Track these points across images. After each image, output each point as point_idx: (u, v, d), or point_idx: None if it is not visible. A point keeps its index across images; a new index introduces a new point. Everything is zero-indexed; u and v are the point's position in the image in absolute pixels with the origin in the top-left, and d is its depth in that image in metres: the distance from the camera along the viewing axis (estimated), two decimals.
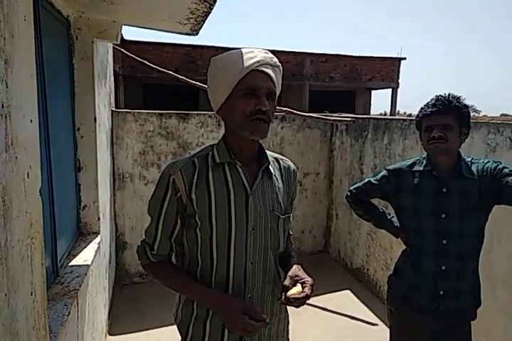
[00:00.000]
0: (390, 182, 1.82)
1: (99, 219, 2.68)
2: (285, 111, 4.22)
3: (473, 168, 1.68)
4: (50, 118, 1.86)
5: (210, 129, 4.22)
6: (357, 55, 16.00)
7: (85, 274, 2.05)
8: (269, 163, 1.27)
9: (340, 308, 3.62)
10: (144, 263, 1.29)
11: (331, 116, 4.49)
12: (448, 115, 1.62)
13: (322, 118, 4.30)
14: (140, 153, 4.03)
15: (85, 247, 2.41)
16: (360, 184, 1.98)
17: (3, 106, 0.85)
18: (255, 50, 1.19)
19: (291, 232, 1.45)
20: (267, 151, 1.31)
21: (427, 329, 1.74)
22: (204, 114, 4.21)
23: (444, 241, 1.67)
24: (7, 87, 0.88)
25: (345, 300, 3.82)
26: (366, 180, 1.96)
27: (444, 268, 1.68)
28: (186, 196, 1.18)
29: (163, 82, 13.58)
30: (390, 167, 1.87)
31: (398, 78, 16.80)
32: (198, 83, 4.31)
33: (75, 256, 2.25)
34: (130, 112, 3.97)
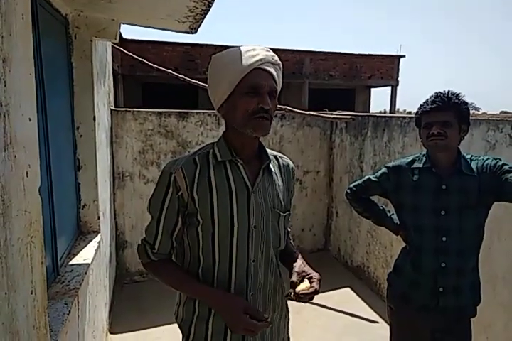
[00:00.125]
0: (390, 179, 1.82)
1: (99, 218, 2.68)
2: (285, 109, 4.22)
3: (473, 165, 1.68)
4: (49, 117, 1.85)
5: (209, 128, 4.21)
6: (356, 53, 15.98)
7: (85, 273, 2.05)
8: (270, 161, 1.28)
9: (340, 306, 3.62)
10: (144, 262, 1.29)
11: (331, 114, 4.48)
12: (447, 112, 1.62)
13: (322, 116, 4.30)
14: (140, 151, 4.03)
15: (85, 246, 2.41)
16: (359, 181, 1.98)
17: (1, 105, 0.85)
18: (257, 48, 1.18)
19: (289, 229, 1.45)
20: (266, 149, 1.31)
21: (427, 327, 1.75)
22: (203, 113, 4.21)
23: (444, 238, 1.67)
24: (5, 85, 0.87)
25: (345, 297, 3.82)
26: (366, 177, 1.96)
27: (443, 265, 1.68)
28: (188, 194, 1.18)
29: (163, 80, 13.56)
30: (390, 164, 1.87)
31: (398, 76, 16.78)
32: (198, 82, 4.31)
33: (75, 255, 2.25)
34: (129, 111, 3.97)
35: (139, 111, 4.01)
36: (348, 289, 4.00)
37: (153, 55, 12.24)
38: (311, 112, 4.46)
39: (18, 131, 0.95)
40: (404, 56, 16.90)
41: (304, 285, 1.14)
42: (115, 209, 4.01)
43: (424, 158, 1.75)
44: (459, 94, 1.66)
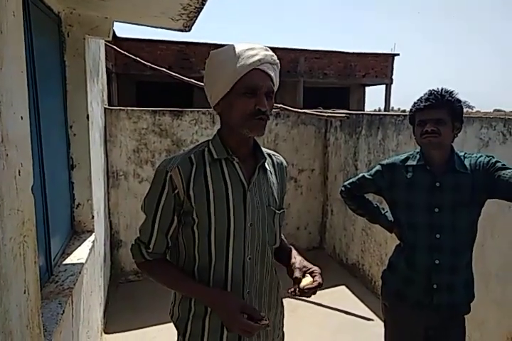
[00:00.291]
0: (384, 177, 1.83)
1: (93, 217, 2.66)
2: (279, 107, 4.22)
3: (466, 163, 1.69)
4: (41, 115, 1.84)
5: (204, 126, 4.21)
6: (350, 51, 16.01)
7: (80, 273, 2.04)
8: (266, 159, 1.28)
9: (335, 304, 3.63)
10: (138, 262, 1.27)
11: (325, 113, 4.49)
12: (441, 109, 1.63)
13: (316, 115, 4.30)
14: (134, 150, 4.01)
15: (79, 245, 2.40)
16: (354, 179, 1.99)
17: None
18: (256, 47, 1.17)
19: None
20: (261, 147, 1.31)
21: (421, 324, 1.75)
22: (198, 111, 4.20)
23: (438, 236, 1.68)
24: None
25: (340, 295, 3.84)
26: (360, 175, 1.96)
27: (437, 262, 1.69)
28: (184, 193, 1.17)
29: (157, 79, 13.51)
30: (384, 162, 1.87)
31: (392, 74, 16.84)
32: (192, 80, 4.30)
33: (69, 255, 2.24)
34: (123, 110, 3.95)
35: (133, 109, 4.00)
36: (343, 287, 4.01)
37: (147, 54, 12.20)
38: (306, 111, 4.46)
39: (10, 129, 0.94)
40: (398, 54, 16.96)
41: (307, 280, 1.16)
42: (109, 209, 3.99)
43: (417, 156, 1.76)
44: (452, 91, 1.66)
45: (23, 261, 1.01)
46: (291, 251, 1.35)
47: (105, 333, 3.13)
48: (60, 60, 2.42)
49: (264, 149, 1.34)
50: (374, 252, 3.88)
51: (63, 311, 1.63)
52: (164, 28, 2.73)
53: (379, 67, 16.53)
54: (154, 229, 1.22)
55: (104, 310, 3.29)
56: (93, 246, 2.50)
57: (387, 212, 1.95)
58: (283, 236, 1.44)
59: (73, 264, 2.13)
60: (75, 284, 1.90)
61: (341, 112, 4.55)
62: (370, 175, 1.90)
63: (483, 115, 2.60)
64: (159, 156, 4.07)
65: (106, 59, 4.35)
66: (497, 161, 1.65)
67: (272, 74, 1.17)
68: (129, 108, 4.02)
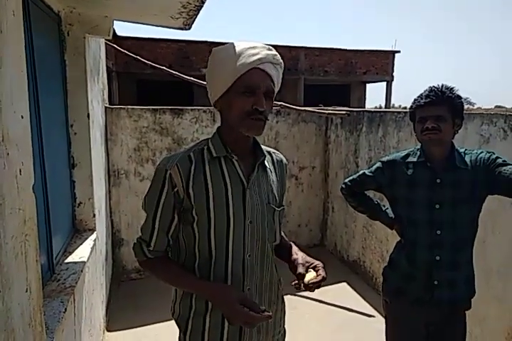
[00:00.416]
0: (385, 173, 1.83)
1: (94, 215, 2.67)
2: (280, 105, 4.22)
3: (467, 159, 1.69)
4: (42, 114, 1.85)
5: (204, 124, 4.21)
6: (351, 48, 15.98)
7: (81, 271, 2.05)
8: (265, 157, 1.28)
9: (336, 301, 3.64)
10: (140, 260, 1.28)
11: (326, 110, 4.48)
12: (441, 106, 1.62)
13: (317, 112, 4.30)
14: (135, 149, 4.02)
15: (81, 244, 2.41)
16: (354, 176, 1.99)
17: None
18: (258, 46, 1.16)
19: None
20: (261, 145, 1.31)
21: (422, 320, 1.76)
22: (198, 110, 4.20)
23: (438, 232, 1.68)
24: None
25: (341, 292, 3.85)
26: (361, 172, 1.96)
27: (438, 258, 1.69)
28: (183, 191, 1.17)
29: (157, 78, 13.53)
30: (384, 159, 1.87)
31: (393, 71, 16.81)
32: (192, 78, 4.29)
33: (70, 253, 2.25)
34: (124, 108, 3.95)
35: (133, 108, 4.00)
36: (344, 284, 4.02)
37: (148, 52, 12.20)
38: (307, 108, 4.46)
39: (11, 128, 0.94)
40: (399, 51, 16.92)
41: (311, 275, 1.17)
42: (111, 207, 4.00)
43: (418, 152, 1.76)
44: (452, 88, 1.66)
45: (24, 259, 1.02)
46: (291, 247, 1.36)
47: (108, 331, 3.14)
48: (61, 59, 2.42)
49: (264, 147, 1.35)
50: (375, 249, 3.88)
51: (65, 309, 1.64)
52: (164, 27, 2.72)
53: (380, 64, 16.50)
54: (155, 228, 1.23)
55: (106, 308, 3.30)
56: (95, 245, 2.51)
57: (387, 208, 1.95)
58: (283, 233, 1.45)
59: (75, 263, 2.14)
60: (76, 282, 1.90)
61: (342, 109, 4.55)
62: (370, 172, 1.90)
63: (484, 111, 2.59)
64: (160, 155, 4.08)
65: (106, 58, 4.35)
66: (497, 157, 1.65)
67: (273, 74, 1.16)
68: (129, 106, 4.02)
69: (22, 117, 1.04)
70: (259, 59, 1.13)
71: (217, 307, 1.16)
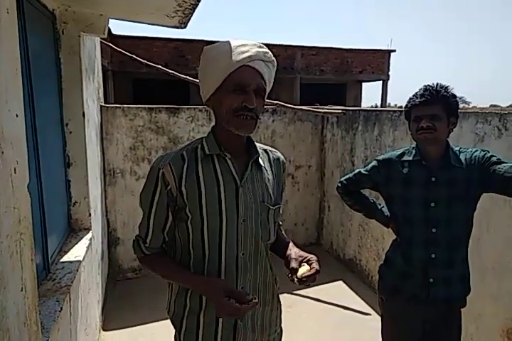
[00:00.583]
0: (380, 172, 1.84)
1: (90, 215, 2.66)
2: (276, 104, 4.22)
3: (462, 157, 1.70)
4: (37, 113, 1.84)
5: (200, 123, 4.20)
6: (347, 47, 16.00)
7: (77, 270, 2.04)
8: (259, 155, 1.27)
9: (333, 299, 3.65)
10: (138, 257, 1.31)
11: (322, 109, 4.49)
12: (436, 105, 1.63)
13: (313, 111, 4.30)
14: (130, 148, 4.00)
15: (77, 243, 2.40)
16: (350, 175, 2.00)
17: None
18: (249, 43, 1.16)
19: (280, 223, 1.46)
20: (256, 143, 1.30)
21: (418, 318, 1.77)
22: (194, 108, 4.19)
23: (434, 230, 1.69)
24: None
25: (338, 290, 3.86)
26: (356, 170, 1.97)
27: (433, 256, 1.70)
28: (176, 189, 1.18)
29: (153, 76, 13.48)
30: (380, 157, 1.88)
31: (388, 70, 16.84)
32: (188, 77, 4.28)
33: (66, 253, 2.24)
34: (119, 107, 3.94)
35: (129, 107, 3.98)
36: (340, 282, 4.03)
37: (143, 51, 12.16)
38: (303, 107, 4.46)
39: (5, 127, 0.94)
40: (394, 51, 16.95)
41: (304, 269, 1.16)
42: (107, 206, 3.99)
43: (413, 151, 1.77)
44: (447, 86, 1.66)
45: (19, 258, 1.02)
46: (288, 243, 1.35)
47: (103, 330, 3.14)
48: (55, 57, 2.40)
49: (260, 145, 1.35)
50: (371, 247, 3.89)
51: (61, 308, 1.64)
52: (160, 25, 2.72)
53: (375, 63, 16.52)
54: (150, 225, 1.25)
55: (102, 307, 3.29)
56: (90, 244, 2.51)
57: (383, 207, 1.96)
58: (283, 231, 1.44)
59: (70, 262, 2.13)
60: (72, 282, 1.90)
61: (338, 108, 4.56)
62: (366, 170, 1.90)
63: (479, 110, 2.61)
64: (156, 154, 4.07)
65: (102, 56, 4.33)
66: (492, 155, 1.65)
67: (264, 72, 1.15)
68: (125, 105, 4.00)
69: (17, 116, 1.03)
70: (249, 56, 1.12)
71: (210, 302, 1.18)
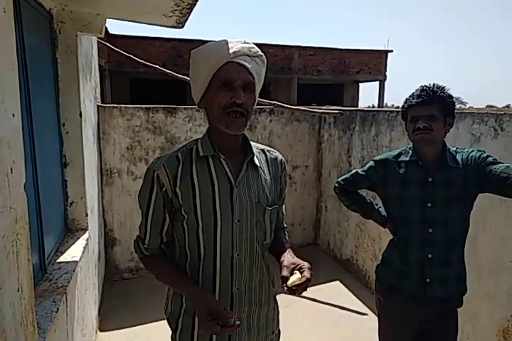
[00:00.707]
0: (377, 172, 1.84)
1: (86, 215, 2.66)
2: (273, 104, 4.22)
3: (458, 158, 1.70)
4: (33, 113, 1.83)
5: (198, 123, 4.20)
6: (344, 48, 16.02)
7: (74, 271, 2.04)
8: (254, 155, 1.26)
9: (330, 299, 3.66)
10: (139, 257, 1.32)
11: (319, 109, 4.50)
12: (432, 106, 1.64)
13: (310, 111, 4.31)
14: (127, 148, 4.00)
15: (73, 244, 2.39)
16: (347, 175, 2.00)
17: None
18: (233, 41, 1.16)
19: (285, 225, 1.46)
20: (252, 143, 1.30)
21: (414, 318, 1.77)
22: (192, 108, 4.19)
23: (430, 230, 1.70)
24: None
25: (335, 291, 3.86)
26: (353, 171, 1.97)
27: (430, 256, 1.71)
28: (171, 190, 1.19)
29: (150, 76, 13.45)
30: (377, 158, 1.88)
31: (385, 71, 16.88)
32: (185, 77, 4.27)
33: (62, 253, 2.23)
34: (116, 107, 3.93)
35: (126, 107, 3.97)
36: (337, 282, 4.03)
37: (141, 51, 12.12)
38: (300, 107, 4.47)
39: (2, 126, 0.93)
40: (392, 51, 16.99)
41: (294, 277, 1.12)
42: (103, 207, 3.98)
43: (410, 151, 1.77)
44: (444, 87, 1.67)
45: (16, 259, 1.01)
46: (285, 251, 1.29)
47: (100, 331, 3.13)
48: (52, 57, 2.40)
49: (257, 145, 1.34)
50: (368, 247, 3.90)
51: (57, 309, 1.63)
52: (157, 25, 2.71)
53: (373, 63, 16.55)
54: (148, 226, 1.26)
55: (99, 308, 3.28)
56: (87, 244, 2.50)
57: (380, 207, 1.97)
58: (286, 235, 1.43)
59: (67, 262, 2.12)
60: (69, 282, 1.89)
61: (335, 109, 4.56)
62: (363, 171, 1.91)
63: (475, 111, 2.62)
64: (153, 154, 4.06)
65: (99, 56, 4.32)
66: (488, 156, 1.66)
67: (249, 66, 1.14)
68: (122, 105, 3.99)
69: (13, 115, 1.03)
70: (233, 52, 1.12)
71: None
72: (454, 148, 1.75)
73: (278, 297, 1.41)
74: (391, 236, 1.91)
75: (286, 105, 4.28)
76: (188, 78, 4.28)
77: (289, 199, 4.82)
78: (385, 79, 16.93)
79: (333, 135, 4.56)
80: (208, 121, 1.25)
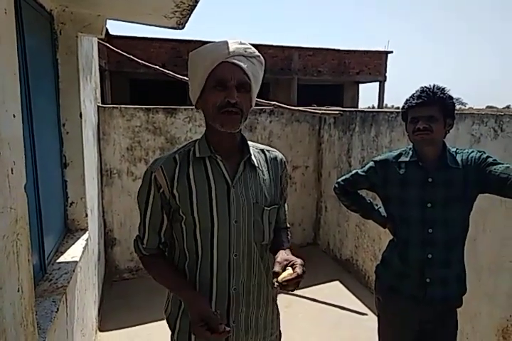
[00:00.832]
0: (377, 173, 1.84)
1: (86, 215, 2.66)
2: (273, 105, 4.22)
3: (458, 158, 1.71)
4: (34, 113, 1.83)
5: (198, 124, 4.20)
6: (344, 48, 16.03)
7: (73, 271, 2.04)
8: (251, 155, 1.26)
9: (329, 299, 3.66)
10: (138, 256, 1.33)
11: (319, 110, 4.50)
12: (432, 106, 1.64)
13: (310, 112, 4.31)
14: (127, 148, 4.00)
15: (73, 244, 2.39)
16: (347, 176, 2.00)
17: None
18: (229, 41, 1.17)
19: (288, 225, 1.45)
20: (251, 143, 1.30)
21: (414, 318, 1.77)
22: (192, 109, 4.19)
23: (430, 230, 1.70)
24: None
25: (334, 291, 3.86)
26: (354, 171, 1.97)
27: (430, 256, 1.71)
28: (169, 192, 1.20)
29: (150, 77, 13.46)
30: (377, 158, 1.89)
31: (385, 71, 16.88)
32: (185, 78, 4.28)
33: (62, 253, 2.24)
34: (117, 107, 3.93)
35: (126, 107, 3.98)
36: (337, 282, 4.04)
37: (141, 52, 12.13)
38: (300, 108, 4.47)
39: (2, 127, 0.94)
40: (391, 52, 17.00)
41: (286, 273, 1.11)
42: (103, 207, 3.98)
43: (410, 152, 1.78)
44: (444, 88, 1.67)
45: (16, 259, 1.01)
46: (283, 249, 1.27)
47: (100, 331, 3.13)
48: (53, 57, 2.40)
49: (257, 145, 1.34)
50: (368, 248, 3.90)
51: (57, 309, 1.63)
52: (157, 26, 2.71)
53: (372, 64, 16.56)
54: (146, 226, 1.27)
55: (98, 308, 3.28)
56: (87, 245, 2.50)
57: (380, 207, 1.97)
58: (288, 236, 1.42)
59: (67, 262, 2.12)
60: (68, 282, 1.89)
61: (335, 109, 4.57)
62: (363, 171, 1.91)
63: (475, 111, 2.62)
64: (153, 154, 4.06)
65: (99, 57, 4.32)
66: (488, 156, 1.67)
67: (244, 66, 1.14)
68: (122, 106, 4.00)
69: (14, 116, 1.03)
70: (228, 53, 1.13)
71: None
72: (454, 149, 1.76)
73: (278, 297, 1.40)
74: (391, 237, 1.91)
75: (286, 106, 4.29)
76: (188, 79, 4.29)
77: (289, 200, 4.76)
78: (385, 80, 16.93)
79: (333, 135, 4.57)
80: (205, 121, 1.25)
